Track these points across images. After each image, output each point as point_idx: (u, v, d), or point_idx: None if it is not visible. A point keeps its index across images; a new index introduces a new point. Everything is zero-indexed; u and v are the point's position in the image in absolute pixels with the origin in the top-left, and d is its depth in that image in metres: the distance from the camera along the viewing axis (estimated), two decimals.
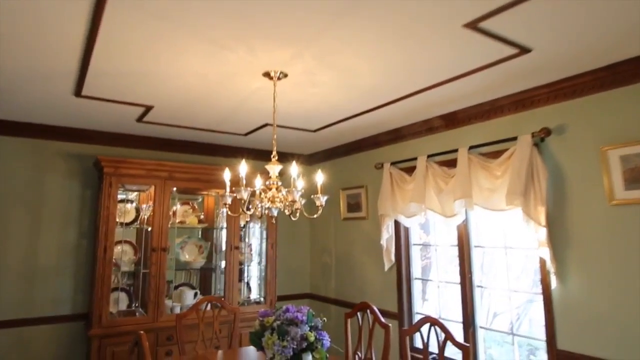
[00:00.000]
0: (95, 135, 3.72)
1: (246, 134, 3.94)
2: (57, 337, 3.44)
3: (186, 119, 3.44)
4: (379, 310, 3.96)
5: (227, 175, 2.43)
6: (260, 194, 2.39)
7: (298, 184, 2.57)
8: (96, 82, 2.60)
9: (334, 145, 4.53)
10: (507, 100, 2.96)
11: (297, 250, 4.96)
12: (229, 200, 2.38)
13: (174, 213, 4.03)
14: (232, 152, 4.38)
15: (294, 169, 2.58)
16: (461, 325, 3.25)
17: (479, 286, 3.24)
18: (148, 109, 3.12)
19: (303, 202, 2.63)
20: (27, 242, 3.44)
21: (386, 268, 3.86)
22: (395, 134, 3.88)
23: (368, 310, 2.97)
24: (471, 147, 3.15)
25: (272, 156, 2.52)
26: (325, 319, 2.26)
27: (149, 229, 3.68)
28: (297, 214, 2.57)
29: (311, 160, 5.03)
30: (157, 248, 3.61)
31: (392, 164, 3.86)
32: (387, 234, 3.84)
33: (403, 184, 3.72)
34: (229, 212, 2.51)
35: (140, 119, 3.39)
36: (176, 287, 3.95)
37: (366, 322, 2.96)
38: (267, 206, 2.38)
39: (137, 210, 3.83)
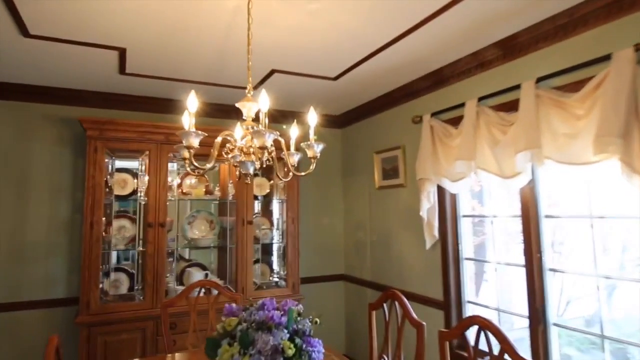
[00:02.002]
0: (84, 96, 3.27)
1: (255, 87, 3.30)
2: (49, 323, 3.12)
3: (170, 68, 2.86)
4: (421, 297, 3.25)
5: (191, 102, 1.67)
6: (225, 146, 1.74)
7: (292, 132, 1.91)
8: (41, 17, 2.09)
9: (364, 100, 3.76)
10: (593, 4, 2.04)
11: (329, 226, 4.31)
12: (188, 154, 1.75)
13: (180, 184, 3.54)
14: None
15: (294, 130, 1.92)
16: (527, 321, 2.43)
17: (551, 269, 2.39)
18: (122, 53, 2.57)
19: (297, 157, 1.95)
20: (12, 217, 3.10)
21: (427, 245, 3.10)
22: (436, 78, 3.04)
23: (396, 302, 2.25)
24: (539, 80, 2.27)
25: (246, 91, 1.86)
26: (317, 320, 1.59)
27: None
28: (290, 174, 1.91)
29: (342, 121, 4.29)
30: (153, 223, 3.13)
31: (433, 115, 3.04)
32: (427, 204, 3.05)
33: (447, 138, 2.90)
34: (190, 170, 1.89)
35: (122, 71, 2.87)
36: (185, 268, 3.48)
37: (395, 315, 2.25)
38: (239, 159, 1.74)
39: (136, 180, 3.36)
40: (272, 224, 3.84)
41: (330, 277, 4.26)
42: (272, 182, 3.82)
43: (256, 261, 3.73)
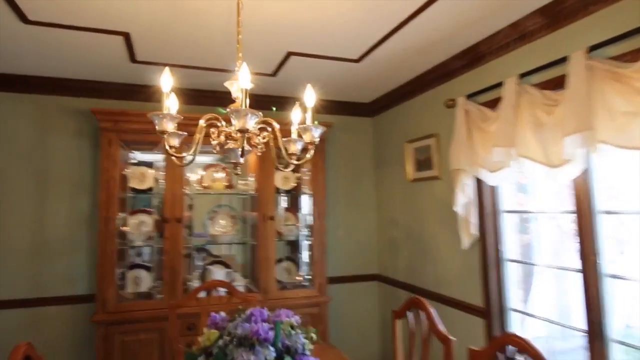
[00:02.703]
0: (99, 87, 3.21)
1: (274, 73, 3.09)
2: (72, 319, 3.10)
3: (180, 54, 2.71)
4: (458, 302, 2.92)
5: (165, 81, 1.47)
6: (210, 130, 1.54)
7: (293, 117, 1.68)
8: (38, 3, 2.01)
9: (394, 85, 3.44)
10: None
11: (362, 221, 4.03)
12: (176, 142, 1.56)
13: (201, 177, 3.41)
14: (265, 102, 3.57)
15: (296, 114, 1.70)
16: (585, 337, 2.05)
17: (611, 275, 1.99)
18: (126, 38, 2.45)
19: (300, 145, 1.72)
20: (33, 212, 3.10)
21: (464, 245, 2.75)
22: (471, 55, 2.68)
23: (422, 311, 1.96)
24: (592, 49, 1.88)
25: (235, 67, 1.64)
26: (313, 335, 1.35)
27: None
28: (289, 164, 1.69)
29: (372, 109, 3.99)
30: (170, 219, 3.02)
31: (469, 97, 2.68)
32: (463, 198, 2.71)
33: (484, 123, 2.54)
34: (176, 161, 1.69)
35: (133, 59, 2.77)
36: (206, 266, 3.36)
37: (420, 326, 1.97)
38: (227, 146, 1.53)
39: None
40: (298, 219, 3.63)
41: (363, 277, 3.99)
42: (298, 175, 3.61)
43: (281, 259, 3.55)
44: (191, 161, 1.58)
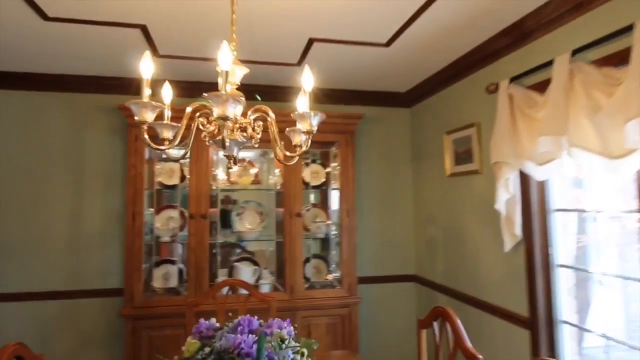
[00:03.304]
0: (128, 83, 3.21)
1: (298, 63, 2.94)
2: (105, 311, 3.15)
3: (200, 46, 2.62)
4: (499, 310, 2.62)
5: (145, 66, 1.31)
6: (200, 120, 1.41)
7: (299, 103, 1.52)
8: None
9: (431, 71, 3.16)
10: None
11: (398, 219, 3.79)
12: (169, 134, 1.45)
13: (228, 172, 3.35)
14: (291, 94, 3.42)
15: (302, 101, 1.53)
16: None
17: None
18: (144, 30, 2.40)
19: (305, 136, 1.55)
20: (70, 207, 3.18)
21: (507, 246, 2.45)
22: (516, 32, 2.36)
23: (447, 322, 1.73)
24: None
25: (231, 49, 1.49)
26: (305, 351, 1.18)
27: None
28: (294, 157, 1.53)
29: (410, 98, 3.72)
30: (195, 214, 2.97)
31: (513, 80, 2.37)
32: (506, 194, 2.41)
33: (531, 109, 2.22)
34: (168, 153, 1.58)
35: (154, 53, 2.72)
36: (234, 262, 3.29)
37: (446, 338, 1.74)
38: (222, 136, 1.39)
39: (182, 169, 3.24)
40: (328, 216, 3.46)
41: (398, 277, 3.76)
42: (328, 169, 3.44)
43: (310, 257, 3.41)
44: (184, 155, 1.46)
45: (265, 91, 3.35)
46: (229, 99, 1.12)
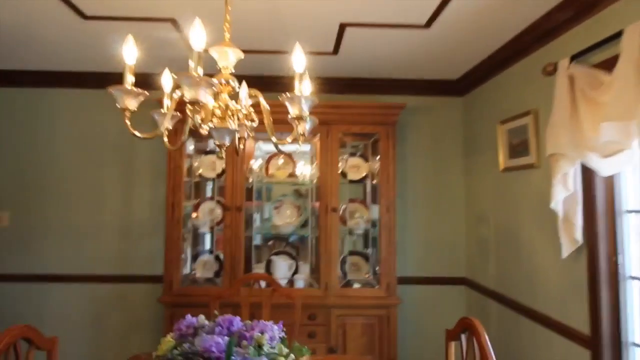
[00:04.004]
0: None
1: (334, 51, 2.79)
2: (151, 296, 3.26)
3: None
4: (556, 324, 2.28)
5: (129, 51, 1.29)
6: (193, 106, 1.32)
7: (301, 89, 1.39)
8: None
9: (482, 55, 2.85)
10: None
11: (448, 217, 3.51)
12: (169, 125, 1.41)
13: (267, 167, 3.30)
14: (329, 85, 3.29)
15: (306, 86, 1.42)
16: None
17: None
18: (174, 24, 2.41)
19: (310, 124, 1.43)
20: (121, 198, 3.35)
21: (565, 252, 2.12)
22: (578, 3, 2.02)
23: (474, 337, 1.51)
24: None
25: (225, 34, 1.41)
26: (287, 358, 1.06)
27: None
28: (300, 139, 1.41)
29: (462, 86, 3.41)
30: (230, 207, 2.96)
31: (574, 58, 2.03)
32: (564, 191, 2.08)
33: (595, 91, 1.88)
34: (168, 145, 1.51)
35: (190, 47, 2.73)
36: (271, 256, 3.25)
37: (473, 354, 1.52)
38: (212, 124, 1.31)
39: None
40: (368, 212, 3.29)
41: (446, 279, 3.48)
42: (369, 163, 3.27)
43: (349, 254, 3.27)
44: (184, 142, 1.40)
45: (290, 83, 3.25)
46: (201, 82, 1.02)
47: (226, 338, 1.05)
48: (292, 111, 1.20)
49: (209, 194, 3.38)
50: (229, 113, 1.32)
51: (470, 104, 3.41)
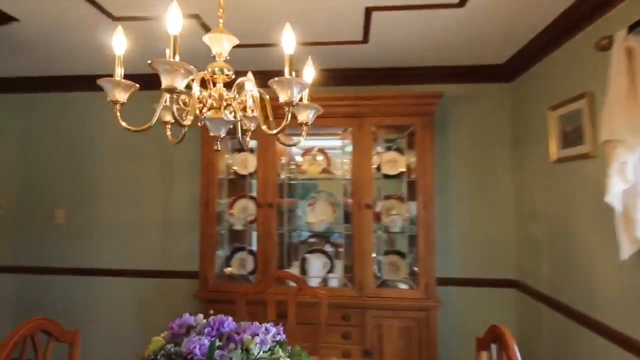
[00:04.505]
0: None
1: (364, 39, 2.66)
2: (190, 292, 3.33)
3: (259, 32, 2.54)
4: (617, 335, 2.00)
5: (118, 42, 1.21)
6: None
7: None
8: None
9: (529, 34, 2.58)
10: None
11: (494, 213, 3.24)
12: (170, 117, 1.37)
13: (301, 162, 3.25)
14: (359, 77, 3.16)
15: (309, 72, 1.33)
16: None
17: None
18: (198, 19, 2.42)
19: (313, 113, 1.33)
20: (162, 193, 3.46)
21: (623, 254, 1.85)
22: None
23: (503, 350, 1.34)
24: None
25: (219, 21, 1.35)
26: None
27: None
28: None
29: (509, 71, 3.13)
30: (262, 204, 2.94)
31: (632, 29, 1.76)
32: (621, 183, 1.82)
33: None
34: (171, 139, 1.46)
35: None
36: (305, 254, 3.19)
37: None
38: (205, 115, 1.26)
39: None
40: (406, 209, 3.12)
41: (494, 281, 3.22)
42: (406, 157, 3.10)
43: (385, 253, 3.13)
44: (182, 137, 1.36)
45: (333, 75, 3.15)
46: (179, 68, 0.96)
47: (200, 342, 0.99)
48: (281, 96, 1.12)
49: (242, 191, 3.38)
50: (224, 103, 1.26)
51: (518, 90, 3.12)
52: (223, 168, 3.28)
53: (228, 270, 3.22)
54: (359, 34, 2.58)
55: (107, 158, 3.51)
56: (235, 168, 3.22)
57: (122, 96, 1.12)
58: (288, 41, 1.13)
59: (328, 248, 3.26)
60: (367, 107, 2.86)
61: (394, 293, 2.86)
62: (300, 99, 1.30)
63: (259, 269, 2.94)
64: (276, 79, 1.09)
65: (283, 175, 3.09)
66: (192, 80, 1.25)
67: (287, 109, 1.13)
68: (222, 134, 1.22)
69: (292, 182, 3.29)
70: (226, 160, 3.27)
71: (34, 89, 3.47)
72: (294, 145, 2.98)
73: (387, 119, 2.90)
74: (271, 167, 2.94)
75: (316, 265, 3.06)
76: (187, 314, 1.29)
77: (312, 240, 3.47)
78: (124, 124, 1.13)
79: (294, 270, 3.13)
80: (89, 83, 3.49)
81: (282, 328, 1.23)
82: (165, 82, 0.98)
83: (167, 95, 1.20)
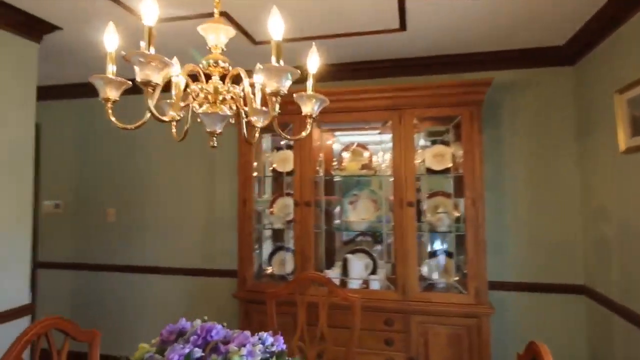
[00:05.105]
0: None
1: (402, 26, 2.50)
2: (231, 290, 3.35)
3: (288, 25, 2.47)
4: None
5: (110, 38, 1.15)
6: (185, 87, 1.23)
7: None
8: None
9: (591, 9, 2.26)
10: None
11: (557, 211, 2.92)
12: (177, 115, 1.33)
13: (341, 159, 3.14)
14: (399, 69, 2.97)
15: (313, 61, 1.24)
16: None
17: None
18: (228, 18, 2.40)
19: (319, 104, 1.23)
20: (206, 193, 3.51)
21: None
22: None
23: None
24: None
25: (214, 10, 1.28)
26: None
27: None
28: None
29: (572, 53, 2.79)
30: (300, 202, 2.87)
31: None
32: None
33: None
34: (175, 136, 1.39)
35: (253, 41, 2.71)
36: (347, 254, 3.08)
37: None
38: (201, 109, 1.20)
39: None
40: (455, 207, 2.90)
41: (559, 287, 2.90)
42: (453, 150, 2.88)
43: (433, 254, 2.93)
44: (185, 134, 1.32)
45: (370, 67, 3.01)
46: (154, 61, 0.91)
47: (196, 349, 0.93)
48: (269, 86, 1.02)
49: (282, 189, 3.34)
50: (220, 97, 1.19)
51: (582, 74, 2.78)
52: (264, 166, 3.28)
53: (269, 269, 3.20)
54: (394, 21, 2.42)
55: (154, 159, 3.64)
56: (274, 166, 3.19)
57: (113, 94, 1.09)
58: (275, 26, 1.03)
59: (374, 248, 3.13)
60: (407, 99, 2.69)
61: (441, 297, 2.65)
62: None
63: (297, 269, 2.88)
64: (262, 66, 1.00)
65: (321, 173, 3.00)
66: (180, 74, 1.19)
67: (274, 99, 1.04)
68: (219, 129, 1.16)
69: (335, 179, 3.20)
70: (267, 158, 3.26)
71: (86, 94, 3.67)
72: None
73: (429, 110, 2.71)
74: (308, 164, 2.87)
75: (357, 266, 2.94)
76: (184, 318, 1.23)
77: (358, 239, 3.36)
78: (113, 119, 1.10)
79: (336, 271, 3.03)
80: (134, 87, 3.66)
81: (281, 337, 1.13)
82: (139, 75, 0.92)
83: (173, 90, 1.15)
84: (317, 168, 2.95)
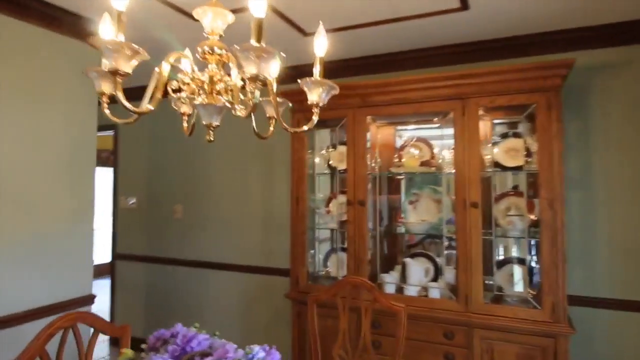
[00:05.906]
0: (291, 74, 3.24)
1: (463, 5, 2.22)
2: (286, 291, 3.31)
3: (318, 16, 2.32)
4: None
5: (105, 28, 1.09)
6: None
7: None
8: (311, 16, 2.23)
9: None
10: None
11: None
12: (188, 110, 1.27)
13: (400, 155, 2.92)
14: (460, 55, 2.65)
15: (321, 43, 1.11)
16: None
17: None
18: (281, 15, 2.32)
19: (327, 93, 1.09)
20: (264, 192, 3.50)
21: None
22: None
23: None
24: None
25: None
26: None
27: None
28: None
29: (609, 44, 2.28)
30: (352, 201, 2.72)
31: None
32: None
33: None
34: (186, 132, 1.27)
35: (303, 32, 2.61)
36: (406, 257, 2.86)
37: None
38: (199, 101, 1.11)
39: None
40: (531, 208, 2.54)
41: None
42: (527, 144, 2.52)
43: (506, 262, 2.60)
44: (192, 129, 1.25)
45: (429, 54, 2.74)
46: (123, 49, 0.83)
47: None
48: (248, 69, 0.89)
49: (339, 187, 3.21)
50: (216, 87, 1.09)
51: None
52: (321, 164, 3.17)
53: (324, 270, 3.10)
54: (454, 1, 2.16)
55: (218, 158, 3.72)
56: (330, 162, 3.08)
57: (107, 87, 1.04)
58: (321, 45, 0.90)
59: (441, 252, 2.86)
60: (471, 86, 2.39)
61: (509, 312, 2.33)
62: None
63: (351, 271, 2.73)
64: (239, 47, 0.88)
65: (377, 170, 2.81)
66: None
67: (253, 85, 0.91)
68: (216, 122, 1.06)
69: (399, 177, 2.99)
70: (322, 155, 3.15)
71: None
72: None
73: (498, 99, 2.38)
74: (361, 161, 2.70)
75: (417, 271, 2.71)
76: (180, 324, 1.16)
77: (427, 241, 3.11)
78: (107, 111, 1.05)
79: (394, 275, 2.83)
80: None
81: (274, 350, 1.01)
82: (108, 63, 0.85)
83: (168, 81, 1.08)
84: (373, 165, 2.77)
